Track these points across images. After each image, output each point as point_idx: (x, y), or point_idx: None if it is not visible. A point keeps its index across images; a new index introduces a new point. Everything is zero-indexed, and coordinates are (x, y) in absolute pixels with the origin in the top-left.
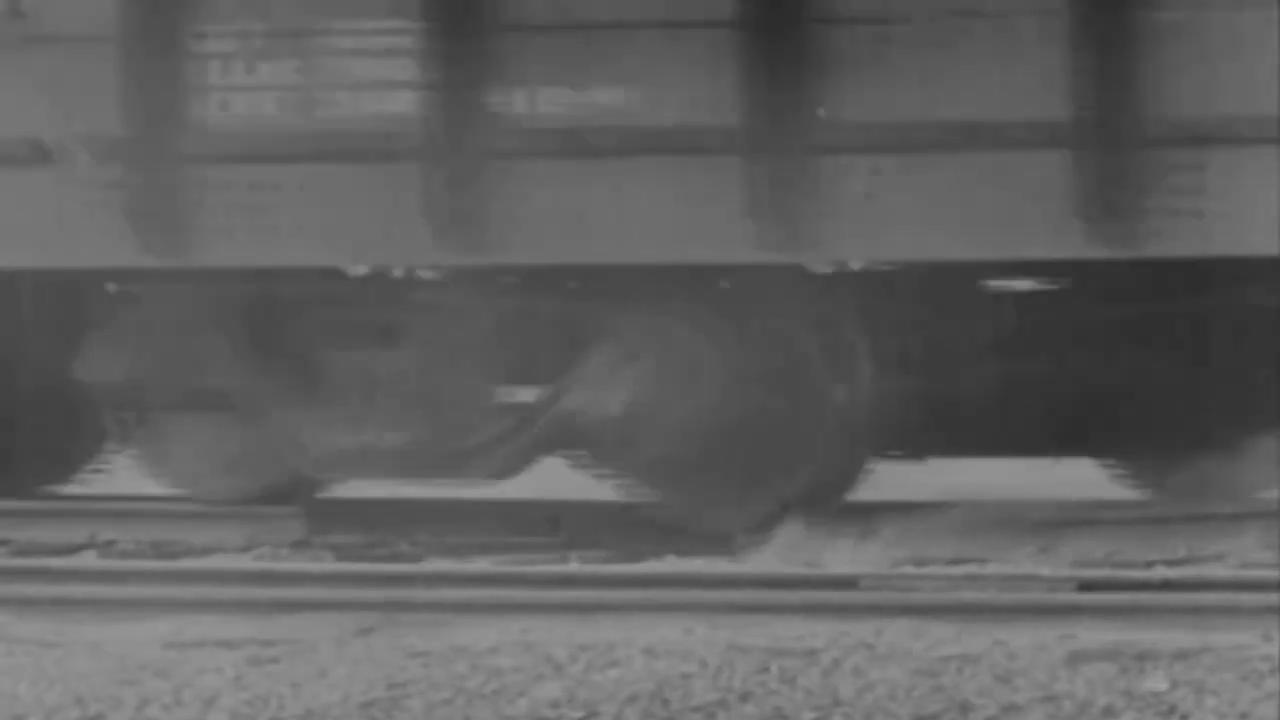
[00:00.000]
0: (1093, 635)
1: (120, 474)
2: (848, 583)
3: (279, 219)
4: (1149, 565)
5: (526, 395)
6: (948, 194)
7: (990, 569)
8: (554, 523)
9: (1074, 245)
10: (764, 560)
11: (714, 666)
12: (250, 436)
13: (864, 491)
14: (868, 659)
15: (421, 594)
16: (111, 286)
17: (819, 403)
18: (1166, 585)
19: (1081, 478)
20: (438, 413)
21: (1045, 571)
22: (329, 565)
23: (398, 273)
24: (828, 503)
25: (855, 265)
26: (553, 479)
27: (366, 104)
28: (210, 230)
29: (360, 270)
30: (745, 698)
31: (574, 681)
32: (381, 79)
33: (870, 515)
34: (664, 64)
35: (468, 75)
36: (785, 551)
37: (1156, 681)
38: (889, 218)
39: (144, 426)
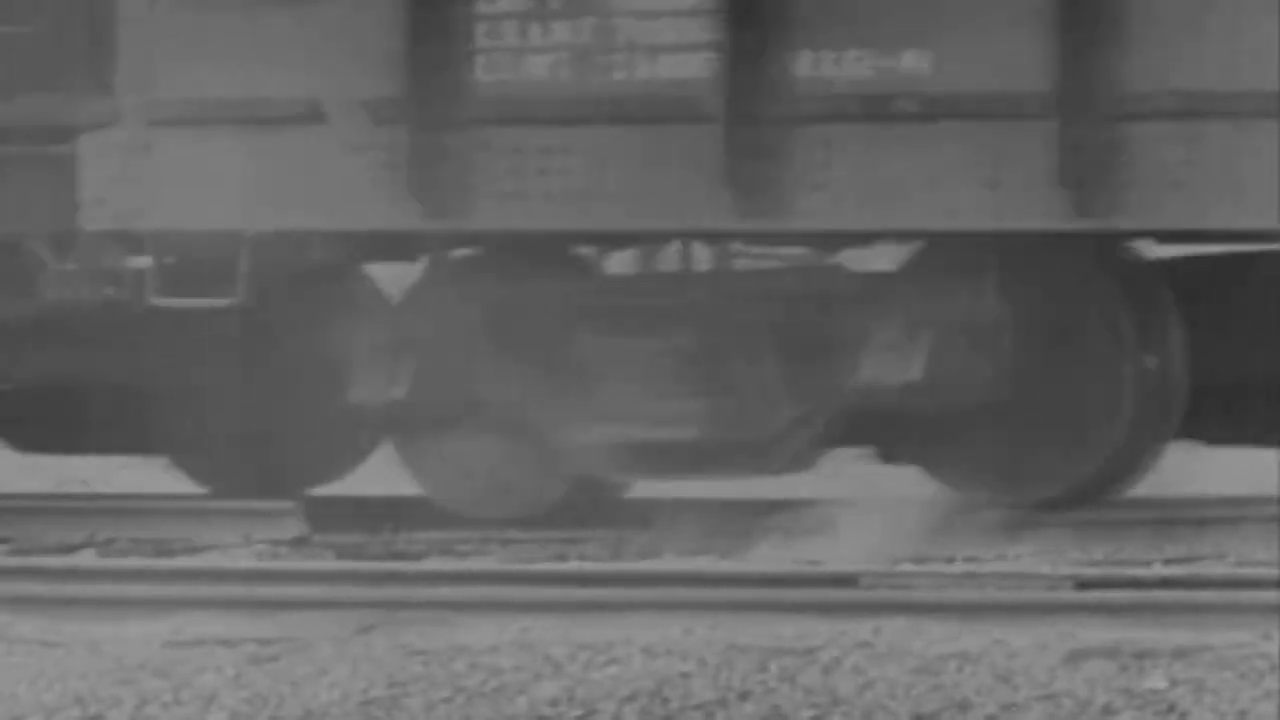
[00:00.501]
0: (1092, 634)
1: (119, 473)
2: (847, 581)
3: (570, 182)
4: (1148, 564)
5: (817, 380)
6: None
7: (989, 567)
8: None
9: None
10: (762, 559)
11: (713, 665)
12: (530, 448)
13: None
14: (867, 657)
15: (421, 592)
16: (387, 293)
17: (1123, 383)
18: (1166, 583)
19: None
20: (728, 405)
21: (1044, 570)
22: (328, 564)
23: (673, 264)
24: (1112, 492)
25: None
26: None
27: (663, 66)
28: (496, 194)
29: (629, 265)
30: (744, 696)
31: (573, 680)
32: (678, 40)
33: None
34: (973, 26)
35: (767, 36)
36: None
37: (1156, 680)
38: (1201, 187)
39: (416, 443)
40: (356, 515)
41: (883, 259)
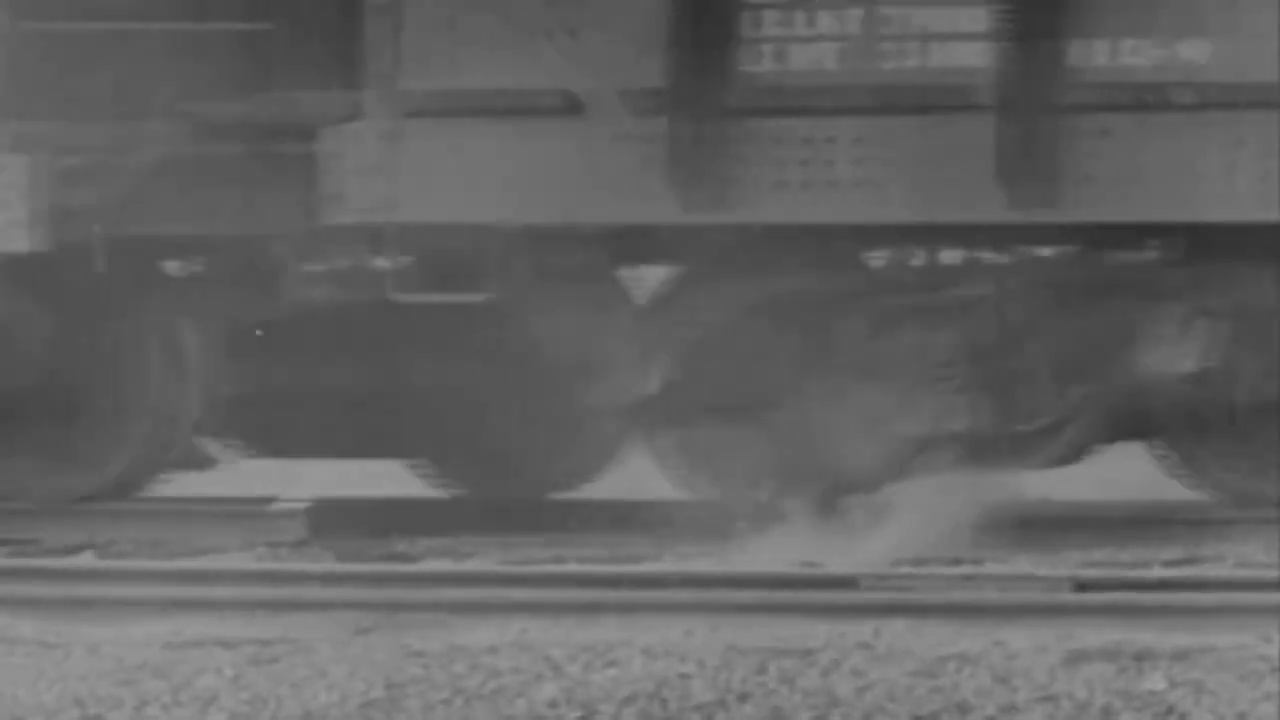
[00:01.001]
0: (1091, 635)
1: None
2: (846, 583)
3: (835, 174)
4: (1147, 565)
5: (1091, 372)
6: None
7: (989, 569)
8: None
9: None
10: (763, 559)
11: (712, 667)
12: (796, 441)
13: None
14: (866, 659)
15: (420, 594)
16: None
17: None
18: (1165, 585)
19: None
20: (999, 399)
21: (1044, 571)
22: (328, 565)
23: (940, 257)
24: None
25: None
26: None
27: (932, 55)
28: (759, 185)
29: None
30: (744, 698)
31: (572, 682)
32: (950, 29)
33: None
34: (1251, 17)
35: (1044, 24)
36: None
37: (1155, 681)
38: None
39: (674, 437)
40: (357, 517)
41: (1158, 249)
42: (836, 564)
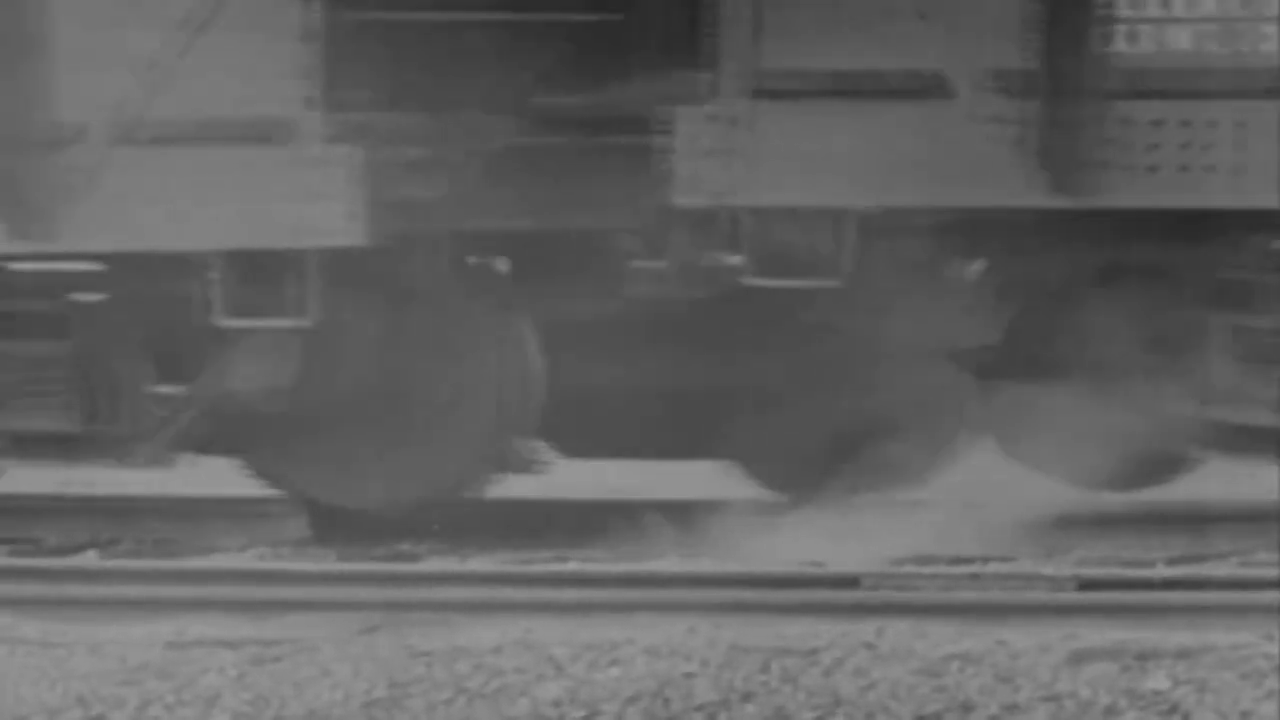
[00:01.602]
0: (1094, 634)
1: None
2: (849, 582)
3: (1214, 158)
4: (1151, 565)
5: None
6: None
7: (992, 568)
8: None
9: None
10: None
11: (716, 666)
12: (1130, 413)
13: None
14: (869, 658)
15: (423, 593)
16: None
17: None
18: (1168, 584)
19: None
20: None
21: (1047, 571)
22: (331, 565)
23: None
24: None
25: None
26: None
27: None
28: (1132, 169)
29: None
30: (747, 697)
31: (576, 681)
32: None
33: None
34: None
35: None
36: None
37: (1158, 680)
38: None
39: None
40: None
41: None
42: (840, 563)
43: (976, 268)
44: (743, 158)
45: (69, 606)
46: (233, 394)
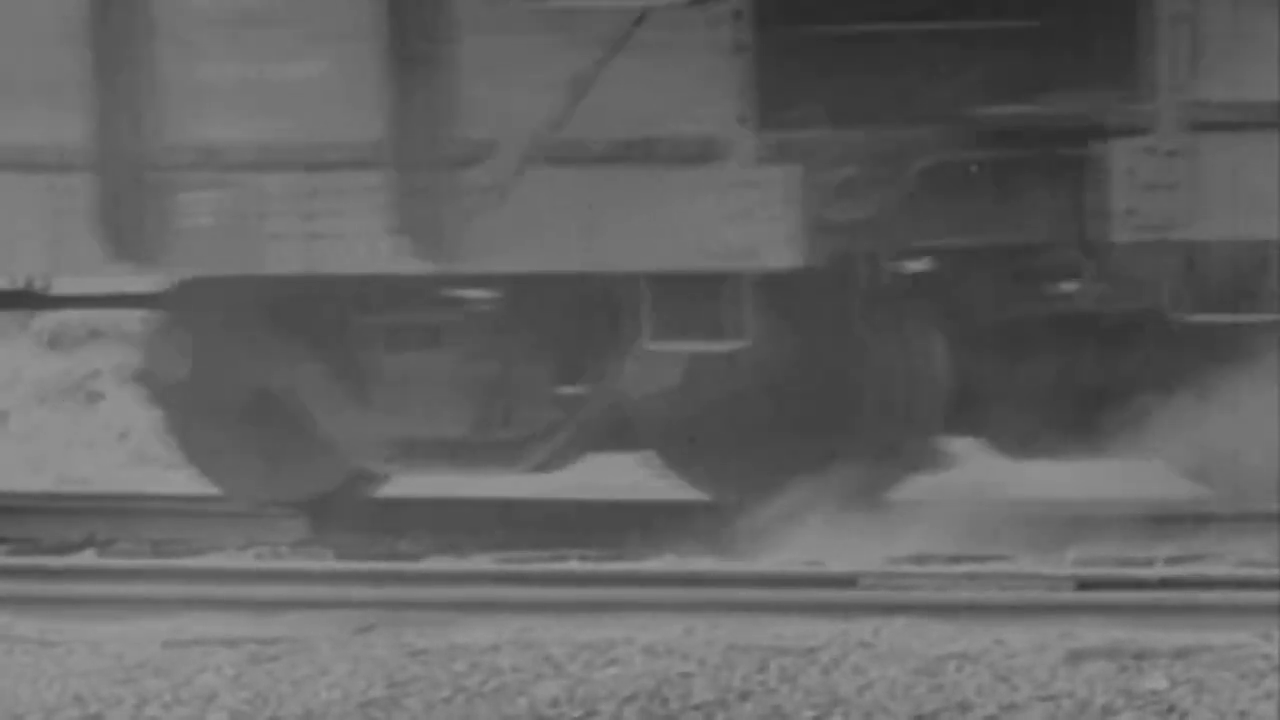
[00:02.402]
0: (1092, 634)
1: (120, 472)
2: (847, 581)
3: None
4: (1148, 564)
5: None
6: None
7: (990, 568)
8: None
9: None
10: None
11: (713, 665)
12: None
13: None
14: (867, 658)
15: (421, 592)
16: None
17: None
18: (1165, 584)
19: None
20: None
21: (1044, 570)
22: (329, 564)
23: None
24: None
25: None
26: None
27: None
28: None
29: None
30: (745, 696)
31: (573, 680)
32: None
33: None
34: None
35: None
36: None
37: (1156, 680)
38: None
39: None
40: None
41: None
42: (837, 562)
43: None
44: (1183, 191)
45: (67, 605)
46: (632, 396)
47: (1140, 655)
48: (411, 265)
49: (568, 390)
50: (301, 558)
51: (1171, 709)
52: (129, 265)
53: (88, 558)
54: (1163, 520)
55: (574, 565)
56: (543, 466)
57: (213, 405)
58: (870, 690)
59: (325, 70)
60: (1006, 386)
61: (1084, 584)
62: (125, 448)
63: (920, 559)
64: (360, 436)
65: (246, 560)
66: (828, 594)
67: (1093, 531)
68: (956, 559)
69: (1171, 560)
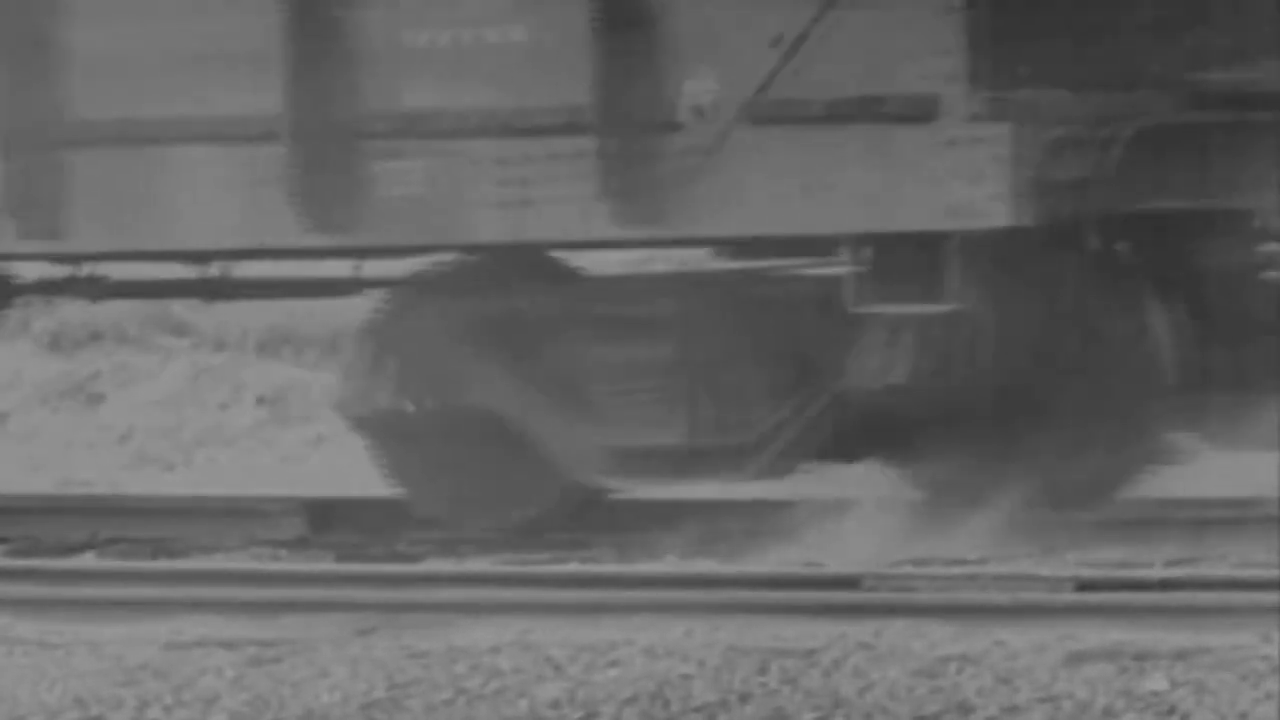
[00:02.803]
0: (1093, 635)
1: (121, 473)
2: (848, 583)
3: None
4: (1149, 565)
5: None
6: None
7: (990, 569)
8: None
9: None
10: (763, 560)
11: (714, 667)
12: None
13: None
14: (868, 659)
15: (422, 594)
16: None
17: None
18: (1166, 585)
19: None
20: None
21: (1045, 571)
22: (329, 565)
23: None
24: None
25: None
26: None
27: None
28: None
29: None
30: (745, 698)
31: (574, 682)
32: None
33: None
34: None
35: None
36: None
37: (1156, 682)
38: None
39: None
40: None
41: None
42: (838, 564)
43: None
44: None
45: (67, 607)
46: (859, 390)
47: (1141, 657)
48: (620, 232)
49: (791, 390)
50: (301, 560)
51: (1172, 710)
52: (327, 237)
53: (88, 559)
54: (1162, 522)
55: (574, 567)
56: (769, 473)
57: (416, 423)
58: (871, 692)
59: (532, 34)
60: (1229, 363)
61: (1084, 585)
62: (126, 449)
63: (921, 560)
64: (574, 448)
65: (247, 562)
66: (828, 595)
67: None
68: (957, 560)
69: (1172, 562)
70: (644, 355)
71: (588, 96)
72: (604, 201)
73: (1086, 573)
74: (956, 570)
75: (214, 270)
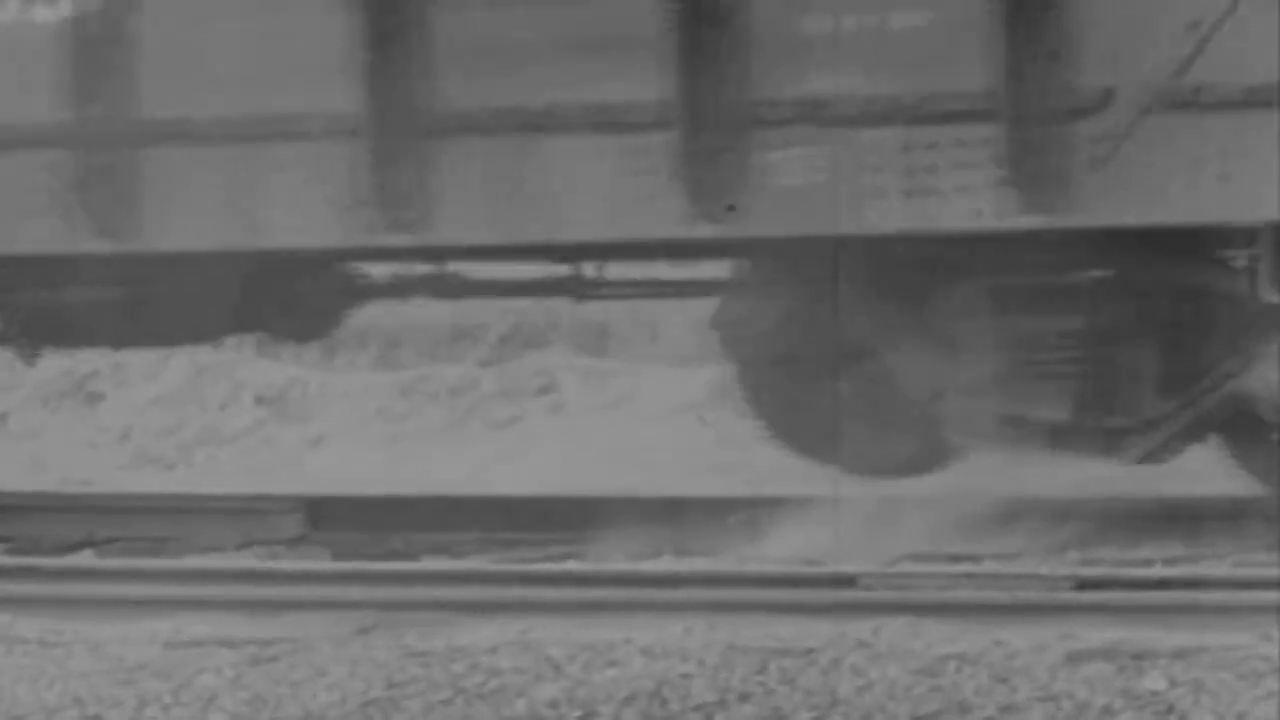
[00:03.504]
0: (1091, 634)
1: (120, 472)
2: (846, 581)
3: None
4: (1148, 564)
5: None
6: None
7: (989, 567)
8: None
9: None
10: (762, 559)
11: (712, 666)
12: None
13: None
14: (866, 658)
15: (420, 593)
16: None
17: None
18: (1165, 584)
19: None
20: None
21: (1044, 570)
22: (327, 564)
23: None
24: None
25: None
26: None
27: None
28: None
29: None
30: (744, 697)
31: (573, 681)
32: None
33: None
34: None
35: None
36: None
37: (1155, 681)
38: None
39: None
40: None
41: None
42: (837, 562)
43: None
44: None
45: (66, 605)
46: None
47: (1139, 656)
48: (1022, 221)
49: (1184, 379)
50: (301, 558)
51: (1171, 709)
52: (711, 226)
53: (88, 558)
54: (1162, 521)
55: (573, 566)
56: (1148, 459)
57: (792, 363)
58: (870, 691)
59: (933, 19)
60: None
61: (1083, 584)
62: (126, 448)
63: (919, 558)
64: (948, 408)
65: (246, 561)
66: (827, 594)
67: None
68: (956, 559)
69: (1171, 561)
70: (1049, 326)
71: (995, 82)
72: (1012, 189)
73: (1085, 571)
74: (955, 569)
75: (587, 269)
